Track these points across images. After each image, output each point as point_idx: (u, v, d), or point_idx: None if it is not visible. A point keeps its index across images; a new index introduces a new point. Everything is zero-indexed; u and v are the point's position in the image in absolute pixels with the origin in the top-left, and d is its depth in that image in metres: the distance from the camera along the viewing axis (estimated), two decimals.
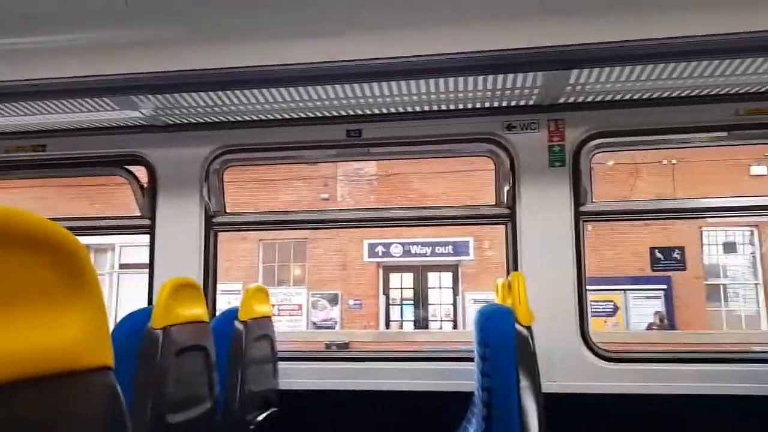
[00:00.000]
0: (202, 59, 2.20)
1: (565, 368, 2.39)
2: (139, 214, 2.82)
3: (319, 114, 2.58)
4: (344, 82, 2.23)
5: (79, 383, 0.64)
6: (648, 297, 12.75)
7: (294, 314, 13.30)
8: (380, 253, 13.39)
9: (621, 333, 11.97)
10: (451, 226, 11.24)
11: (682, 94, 2.41)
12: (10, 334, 0.52)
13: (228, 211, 2.85)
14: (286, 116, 2.61)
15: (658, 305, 12.62)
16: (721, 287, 13.04)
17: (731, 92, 2.38)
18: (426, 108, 2.55)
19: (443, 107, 2.54)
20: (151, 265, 2.77)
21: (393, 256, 13.47)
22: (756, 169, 12.54)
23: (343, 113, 2.57)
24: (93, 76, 2.27)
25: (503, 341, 1.37)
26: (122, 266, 13.18)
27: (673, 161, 12.69)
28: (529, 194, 2.50)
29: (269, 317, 2.59)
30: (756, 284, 12.86)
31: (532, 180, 2.51)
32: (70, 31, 2.47)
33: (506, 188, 2.55)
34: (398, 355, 2.77)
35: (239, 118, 2.64)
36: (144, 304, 2.57)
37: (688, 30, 1.84)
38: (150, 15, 2.22)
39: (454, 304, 13.40)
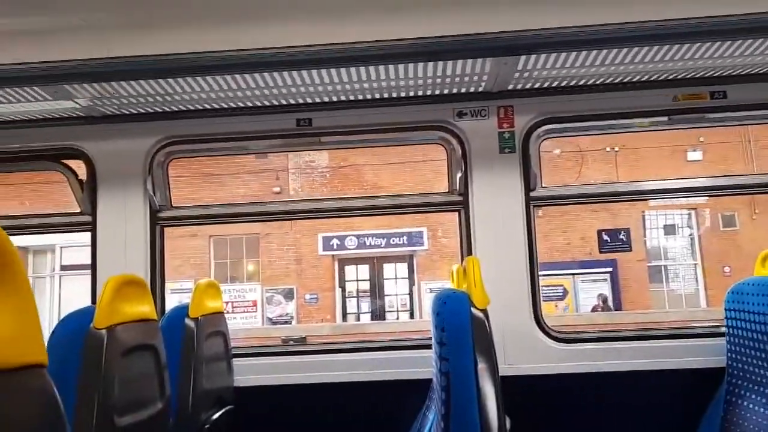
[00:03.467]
0: (140, 45, 2.09)
1: (521, 351, 2.44)
2: (78, 210, 2.68)
3: (267, 103, 2.51)
4: (292, 68, 2.18)
5: (11, 381, 0.62)
6: (595, 280, 13.26)
7: (249, 311, 13.09)
8: (335, 246, 13.34)
9: (571, 315, 12.40)
10: (405, 216, 11.32)
11: (625, 80, 2.46)
12: None
13: (174, 205, 2.75)
14: (233, 105, 2.53)
15: (605, 288, 13.15)
16: (663, 268, 13.70)
17: (670, 78, 2.46)
18: (377, 96, 2.53)
19: (394, 95, 2.52)
20: (93, 264, 2.64)
21: (348, 249, 13.45)
22: (692, 155, 13.20)
23: (293, 102, 2.51)
24: (21, 63, 2.12)
25: (460, 324, 1.37)
26: (63, 267, 12.59)
27: (616, 148, 13.20)
28: (481, 181, 2.53)
29: (221, 313, 2.53)
30: (695, 264, 13.57)
31: (484, 167, 2.53)
32: None
33: (458, 175, 2.57)
34: (355, 346, 2.75)
35: (183, 108, 2.53)
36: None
37: (629, 16, 1.90)
38: None
39: (411, 294, 13.53)
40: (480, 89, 2.49)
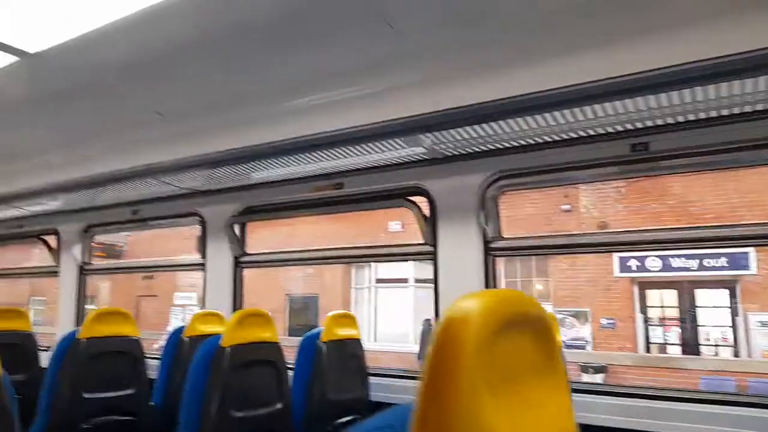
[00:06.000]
0: (478, 92, 2.29)
1: None
2: (422, 241, 3.05)
3: (600, 131, 2.45)
4: (631, 96, 2.08)
5: None
6: None
7: None
8: (634, 268, 12.17)
9: None
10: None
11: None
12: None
13: (504, 236, 2.90)
14: (564, 137, 2.54)
15: None
16: None
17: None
18: (723, 113, 2.22)
19: (735, 111, 2.18)
20: (435, 288, 2.96)
21: (649, 271, 12.11)
22: None
23: (629, 127, 2.39)
24: (386, 121, 2.55)
25: None
26: (378, 281, 14.56)
27: None
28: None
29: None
30: None
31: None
32: (359, 83, 2.82)
33: None
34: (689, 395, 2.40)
35: (514, 144, 2.66)
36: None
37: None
38: (424, 58, 2.40)
39: (734, 327, 11.40)
40: None
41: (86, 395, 2.71)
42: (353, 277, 14.77)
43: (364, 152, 2.84)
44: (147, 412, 2.99)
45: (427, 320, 12.38)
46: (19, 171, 4.33)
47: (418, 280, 13.93)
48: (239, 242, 3.80)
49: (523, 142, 2.62)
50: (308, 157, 2.96)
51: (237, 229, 3.82)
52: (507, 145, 2.68)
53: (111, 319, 2.91)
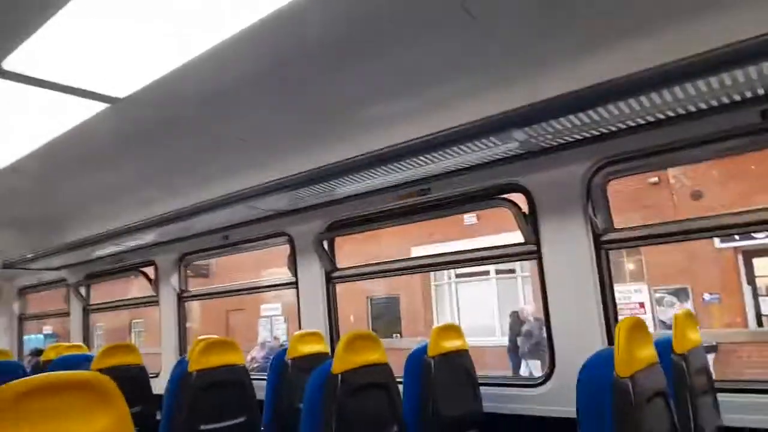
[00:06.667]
0: (577, 78, 2.09)
1: None
2: (523, 240, 2.87)
3: (726, 101, 2.17)
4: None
5: None
6: None
7: (636, 314, 12.21)
8: (737, 236, 11.23)
9: None
10: None
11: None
12: None
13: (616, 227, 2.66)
14: (681, 112, 2.27)
15: None
16: None
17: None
18: None
19: None
20: (543, 289, 2.77)
21: (755, 238, 11.14)
22: None
23: (760, 93, 2.10)
24: (475, 121, 2.39)
25: None
26: (458, 275, 14.34)
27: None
28: None
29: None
30: None
31: None
32: (441, 85, 2.67)
33: None
34: None
35: (620, 126, 2.41)
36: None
37: None
38: (511, 49, 2.21)
39: None
40: None
41: (203, 427, 2.76)
42: (432, 274, 14.62)
43: (453, 155, 2.68)
44: None
45: (515, 312, 12.04)
46: (117, 209, 4.53)
47: (499, 272, 13.59)
48: (329, 258, 3.76)
49: (631, 123, 2.37)
50: (392, 168, 2.85)
51: (326, 245, 3.79)
52: (611, 128, 2.43)
53: (217, 349, 2.94)
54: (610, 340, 2.57)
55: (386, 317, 15.08)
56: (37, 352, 5.41)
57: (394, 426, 2.33)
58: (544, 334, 2.75)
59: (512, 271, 13.61)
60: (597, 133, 2.47)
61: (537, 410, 2.71)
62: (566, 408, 2.57)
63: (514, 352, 11.41)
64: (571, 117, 2.24)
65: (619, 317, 2.52)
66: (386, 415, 2.35)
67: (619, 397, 1.49)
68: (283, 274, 4.13)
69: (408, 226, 12.40)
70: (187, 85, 2.52)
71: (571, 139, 2.55)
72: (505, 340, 12.46)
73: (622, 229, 2.65)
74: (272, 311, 15.97)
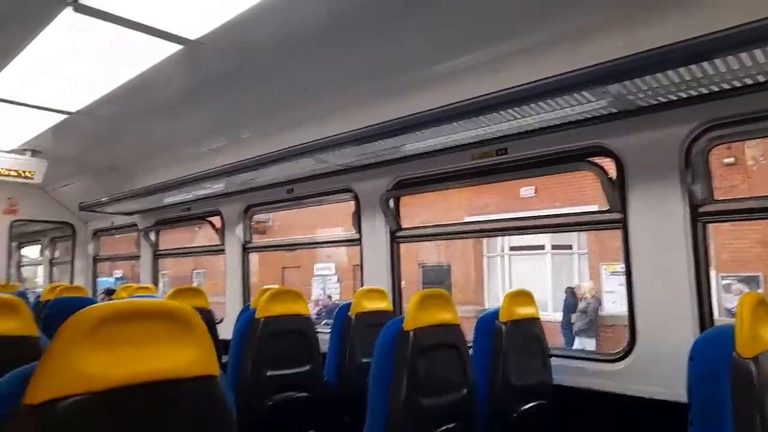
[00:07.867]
0: (683, 27, 1.87)
1: None
2: (607, 208, 2.68)
3: None
4: None
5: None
6: None
7: None
8: None
9: None
10: None
11: None
12: None
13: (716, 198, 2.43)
14: None
15: None
16: None
17: None
18: None
19: None
20: (627, 262, 2.60)
21: None
22: None
23: None
24: (562, 74, 2.20)
25: None
26: (512, 248, 14.04)
27: None
28: None
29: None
30: None
31: None
32: (525, 34, 2.49)
33: None
34: None
35: (729, 86, 2.15)
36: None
37: None
38: None
39: None
40: None
41: (269, 373, 2.78)
42: (485, 245, 14.38)
43: (534, 112, 2.50)
44: (321, 387, 3.02)
45: (570, 288, 11.73)
46: (185, 157, 4.60)
47: (555, 247, 13.20)
48: (395, 217, 3.69)
49: (742, 83, 2.11)
50: (466, 124, 2.70)
51: (392, 204, 3.71)
52: (719, 87, 2.18)
53: (283, 298, 2.95)
54: (702, 320, 2.39)
55: (436, 285, 15.03)
56: (110, 292, 5.66)
57: (464, 389, 2.27)
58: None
59: (569, 246, 13.19)
60: (704, 92, 2.23)
61: (612, 386, 2.58)
62: (647, 387, 2.43)
63: (567, 328, 11.16)
64: (678, 71, 2.02)
65: None
66: (456, 377, 2.29)
67: (740, 379, 1.34)
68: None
69: (461, 197, 12.24)
70: (257, 31, 2.46)
71: (673, 98, 2.32)
72: (556, 316, 12.20)
73: (723, 201, 2.42)
74: (326, 270, 16.23)
